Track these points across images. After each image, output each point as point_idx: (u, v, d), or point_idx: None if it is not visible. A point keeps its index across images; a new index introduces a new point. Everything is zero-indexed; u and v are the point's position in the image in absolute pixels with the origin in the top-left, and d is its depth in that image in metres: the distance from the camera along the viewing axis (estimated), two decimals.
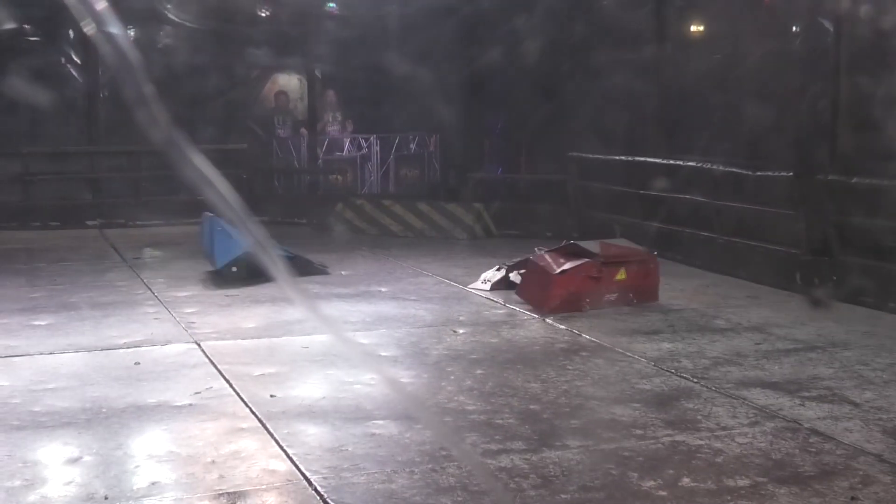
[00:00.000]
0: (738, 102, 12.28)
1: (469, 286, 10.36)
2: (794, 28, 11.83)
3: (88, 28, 2.10)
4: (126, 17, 16.05)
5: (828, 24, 10.29)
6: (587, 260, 9.44)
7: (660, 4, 13.32)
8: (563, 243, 10.14)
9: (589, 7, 14.85)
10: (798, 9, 11.29)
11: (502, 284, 10.13)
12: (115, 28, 2.10)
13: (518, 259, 10.34)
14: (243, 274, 10.18)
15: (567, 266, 9.35)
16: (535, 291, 9.46)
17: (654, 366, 7.47)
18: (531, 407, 6.55)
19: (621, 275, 9.51)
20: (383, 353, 7.85)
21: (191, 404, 6.47)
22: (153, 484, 5.11)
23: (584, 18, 14.80)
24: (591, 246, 9.71)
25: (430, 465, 5.37)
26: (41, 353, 7.78)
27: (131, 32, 16.37)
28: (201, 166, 2.11)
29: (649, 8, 13.46)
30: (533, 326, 8.84)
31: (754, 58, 12.04)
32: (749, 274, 10.78)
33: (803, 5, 11.01)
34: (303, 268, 10.73)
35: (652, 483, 5.14)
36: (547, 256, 9.58)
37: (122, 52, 2.09)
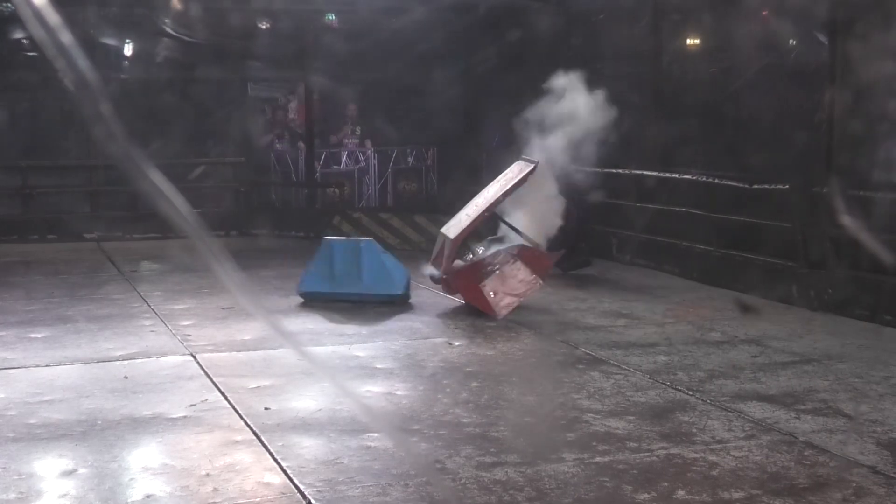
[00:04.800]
0: (735, 115, 12.32)
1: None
2: (790, 42, 11.87)
3: (49, 50, 2.12)
4: (125, 30, 16.13)
5: (823, 38, 10.34)
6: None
7: (656, 19, 13.37)
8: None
9: (586, 21, 14.91)
10: (794, 23, 11.34)
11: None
12: (74, 48, 2.12)
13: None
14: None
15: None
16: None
17: (650, 378, 7.48)
18: (526, 420, 6.56)
19: None
20: (379, 366, 7.86)
21: (186, 417, 6.47)
22: (148, 497, 5.10)
23: (580, 33, 14.86)
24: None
25: (424, 478, 5.37)
26: (37, 366, 7.78)
27: (129, 46, 16.45)
28: (157, 180, 2.14)
29: (646, 22, 13.52)
30: (528, 339, 8.85)
31: (750, 71, 12.08)
32: (746, 287, 10.80)
33: (799, 19, 11.06)
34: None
35: (646, 496, 5.14)
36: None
37: (79, 71, 2.11)
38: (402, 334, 8.99)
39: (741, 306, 10.01)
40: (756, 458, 5.72)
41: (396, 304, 10.13)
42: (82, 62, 2.15)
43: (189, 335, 8.82)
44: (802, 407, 6.75)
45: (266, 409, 6.63)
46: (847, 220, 9.17)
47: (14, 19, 14.97)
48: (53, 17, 2.13)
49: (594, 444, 5.96)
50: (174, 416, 6.49)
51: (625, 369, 7.74)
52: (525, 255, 9.93)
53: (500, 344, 8.62)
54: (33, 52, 15.45)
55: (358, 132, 17.28)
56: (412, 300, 10.44)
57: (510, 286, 9.62)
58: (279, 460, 5.63)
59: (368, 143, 17.18)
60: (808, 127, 10.65)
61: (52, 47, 2.12)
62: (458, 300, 10.37)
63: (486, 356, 8.22)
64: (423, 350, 8.39)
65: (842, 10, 10.05)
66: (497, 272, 9.74)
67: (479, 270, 9.82)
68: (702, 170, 11.96)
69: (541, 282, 9.79)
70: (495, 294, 9.59)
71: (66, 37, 2.14)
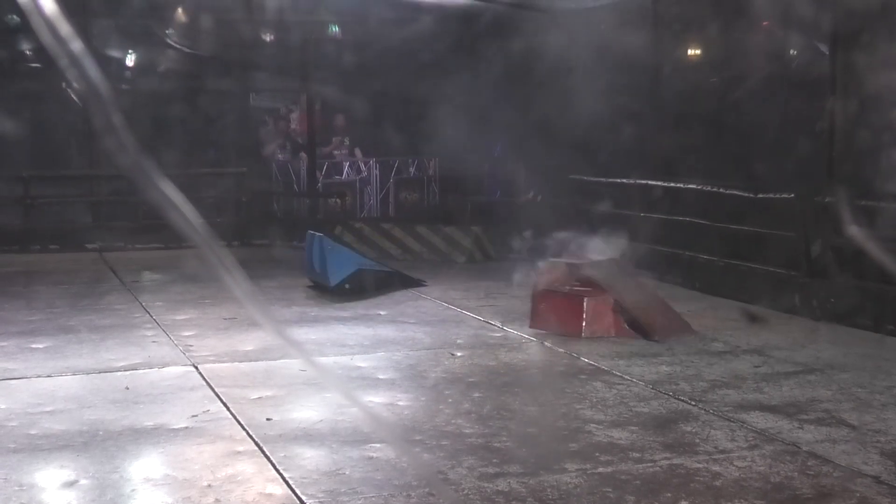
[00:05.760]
0: (737, 125, 12.32)
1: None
2: (792, 52, 11.88)
3: (62, 61, 2.12)
4: (127, 42, 16.15)
5: (824, 48, 10.35)
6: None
7: (656, 28, 13.38)
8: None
9: (585, 31, 14.91)
10: (796, 33, 11.35)
11: None
12: (86, 60, 2.12)
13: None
14: (356, 289, 11.16)
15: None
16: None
17: (652, 389, 7.46)
18: (529, 430, 6.54)
19: None
20: (381, 377, 7.84)
21: (187, 427, 6.46)
22: None
23: (580, 43, 14.86)
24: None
25: (426, 489, 5.35)
26: (39, 376, 7.77)
27: (132, 57, 16.48)
28: (167, 190, 2.13)
29: (646, 31, 13.52)
30: (531, 349, 8.84)
31: (753, 81, 12.09)
32: (748, 296, 10.77)
33: (801, 29, 11.07)
34: (403, 282, 11.77)
35: None
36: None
37: (91, 82, 2.10)
38: (404, 345, 8.98)
39: (748, 316, 9.99)
40: (759, 469, 5.70)
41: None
42: (94, 72, 2.15)
43: (191, 345, 8.81)
44: (805, 417, 6.73)
45: (268, 419, 6.61)
46: (850, 230, 9.16)
47: (17, 30, 15.01)
48: (65, 27, 2.12)
49: (597, 454, 5.95)
50: (176, 426, 6.47)
51: (627, 379, 7.73)
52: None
53: (502, 354, 8.61)
54: (36, 63, 15.50)
55: (347, 142, 17.28)
56: (415, 311, 10.45)
57: (601, 320, 9.25)
58: (281, 471, 5.61)
59: (358, 153, 17.19)
60: (810, 136, 10.66)
61: (63, 57, 2.11)
62: (457, 309, 10.38)
63: (488, 366, 8.21)
64: (424, 360, 8.38)
65: (843, 20, 10.05)
66: (591, 300, 9.31)
67: (577, 296, 9.40)
68: (704, 180, 11.95)
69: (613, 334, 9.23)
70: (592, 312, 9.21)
71: (78, 46, 2.13)
